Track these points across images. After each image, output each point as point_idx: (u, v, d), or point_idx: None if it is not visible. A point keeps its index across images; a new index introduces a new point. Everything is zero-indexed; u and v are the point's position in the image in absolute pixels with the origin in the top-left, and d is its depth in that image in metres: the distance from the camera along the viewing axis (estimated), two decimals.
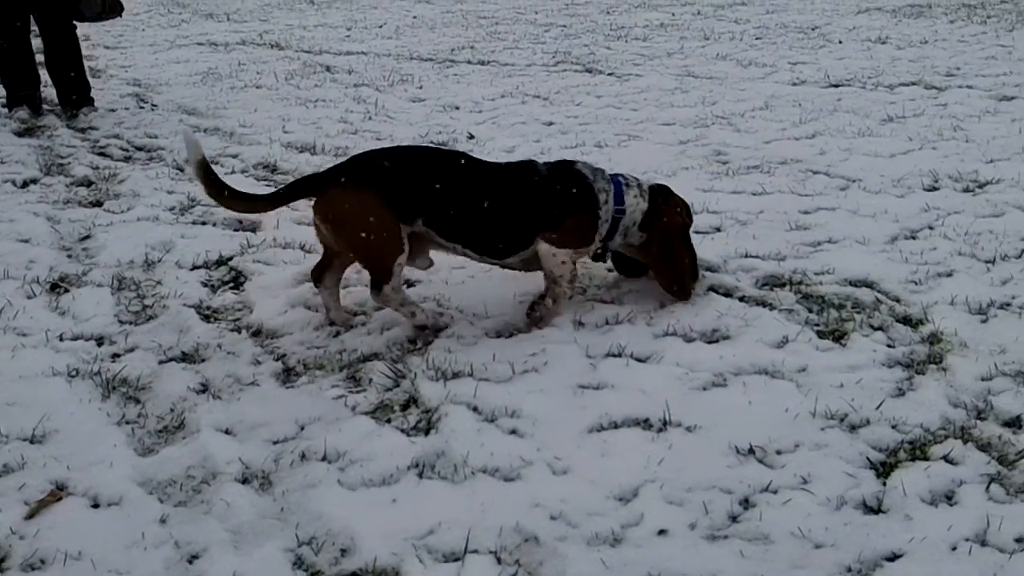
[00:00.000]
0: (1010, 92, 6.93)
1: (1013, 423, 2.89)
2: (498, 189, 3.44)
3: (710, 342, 3.40)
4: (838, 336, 3.43)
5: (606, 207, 3.52)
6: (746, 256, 4.12)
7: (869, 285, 3.82)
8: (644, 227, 3.62)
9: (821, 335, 3.44)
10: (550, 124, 6.33)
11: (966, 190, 4.84)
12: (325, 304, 3.62)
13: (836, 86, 7.30)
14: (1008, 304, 3.62)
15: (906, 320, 3.54)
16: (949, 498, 2.57)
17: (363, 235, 3.30)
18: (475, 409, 3.00)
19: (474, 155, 3.69)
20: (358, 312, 3.74)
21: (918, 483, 2.60)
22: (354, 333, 3.54)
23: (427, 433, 2.89)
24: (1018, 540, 2.40)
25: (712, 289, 3.81)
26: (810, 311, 3.62)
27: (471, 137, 6.00)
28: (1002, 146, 5.59)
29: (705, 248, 4.16)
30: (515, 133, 6.11)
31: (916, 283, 3.81)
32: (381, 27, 10.90)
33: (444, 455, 2.76)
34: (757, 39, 9.52)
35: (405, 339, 3.47)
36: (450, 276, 3.97)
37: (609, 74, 7.97)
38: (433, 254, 3.64)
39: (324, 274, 3.58)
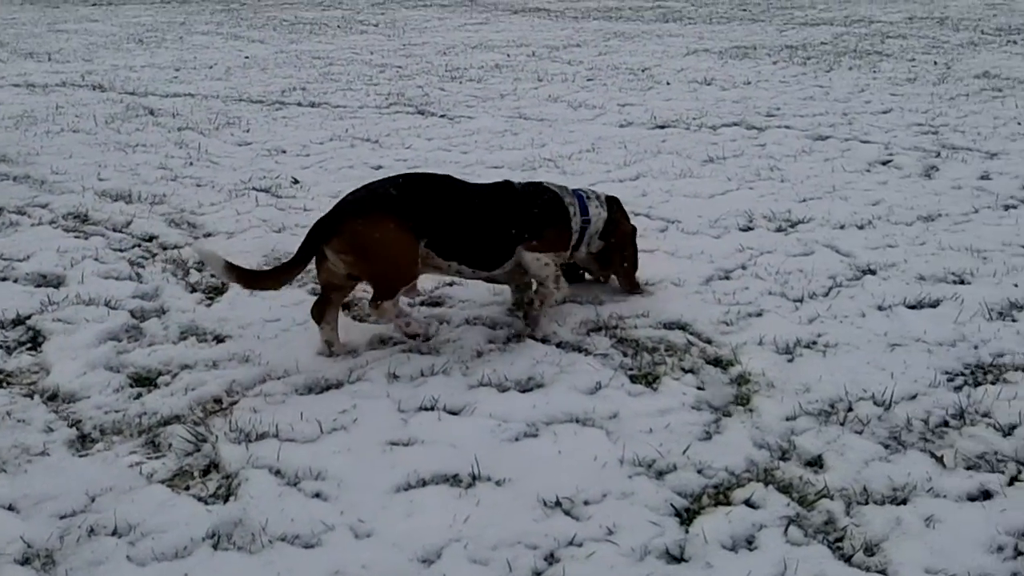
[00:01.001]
0: (825, 132, 7.23)
1: (814, 462, 2.96)
2: (485, 208, 3.72)
3: (524, 391, 3.40)
4: (650, 380, 3.47)
5: (575, 219, 3.90)
6: (565, 301, 4.13)
7: (682, 327, 3.89)
8: (604, 235, 4.03)
9: (634, 379, 3.47)
10: (379, 168, 6.27)
11: (779, 229, 5.00)
12: (327, 340, 3.70)
13: (662, 127, 7.48)
14: (814, 343, 3.73)
15: (716, 362, 3.62)
16: (750, 543, 2.61)
17: (385, 261, 3.50)
18: (278, 472, 2.91)
19: (457, 177, 3.89)
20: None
21: (720, 529, 2.64)
22: (157, 394, 3.40)
23: (226, 500, 2.79)
24: None
25: (530, 336, 3.81)
26: (624, 355, 3.66)
27: (295, 182, 5.90)
28: (815, 185, 5.81)
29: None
30: (342, 177, 6.04)
31: (727, 324, 3.90)
32: (211, 68, 10.68)
33: (242, 523, 2.67)
34: (589, 80, 9.69)
35: (210, 399, 3.35)
36: (262, 331, 3.87)
37: (441, 116, 7.98)
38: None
39: (325, 311, 3.69)
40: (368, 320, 3.94)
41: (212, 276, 4.32)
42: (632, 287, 4.22)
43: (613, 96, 8.80)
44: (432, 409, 3.26)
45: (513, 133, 7.30)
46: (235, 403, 3.34)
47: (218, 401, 3.36)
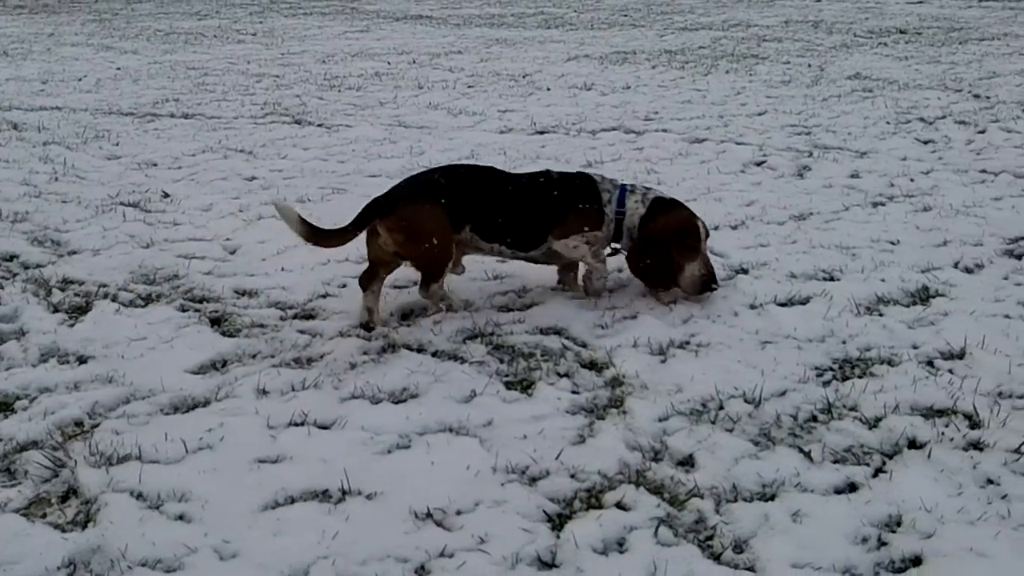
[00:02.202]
0: (701, 134, 7.33)
1: (686, 462, 2.98)
2: (524, 195, 4.01)
3: (397, 402, 3.34)
4: (526, 386, 3.45)
5: (609, 206, 4.04)
6: (445, 310, 4.10)
7: (558, 332, 3.89)
8: (640, 231, 4.08)
9: (509, 386, 3.45)
10: (252, 179, 6.15)
11: None
12: (367, 307, 3.97)
13: (541, 133, 7.50)
14: (687, 343, 3.76)
15: (591, 365, 3.62)
16: (620, 545, 2.60)
17: (430, 245, 3.85)
18: (139, 496, 2.80)
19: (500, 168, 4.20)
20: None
21: (591, 533, 2.62)
22: (14, 419, 3.25)
23: (84, 527, 2.67)
24: None
25: (406, 346, 3.76)
26: (500, 362, 3.64)
27: (166, 196, 5.74)
28: (690, 187, 5.88)
29: (402, 302, 4.14)
30: (214, 190, 5.90)
31: (603, 327, 3.91)
32: (80, 80, 10.35)
33: (100, 550, 2.56)
34: (469, 87, 9.68)
35: (71, 422, 3.22)
36: (127, 350, 3.74)
37: (319, 125, 7.87)
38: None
39: (371, 282, 3.99)
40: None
41: (74, 295, 4.18)
42: (651, 289, 4.20)
43: (493, 102, 8.80)
44: (302, 424, 3.19)
45: (392, 141, 7.23)
46: (96, 426, 3.21)
47: (79, 424, 3.22)
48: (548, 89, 9.49)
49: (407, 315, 4.07)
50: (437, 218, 3.85)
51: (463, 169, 4.15)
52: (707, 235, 4.10)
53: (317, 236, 3.86)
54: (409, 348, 3.75)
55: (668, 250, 4.02)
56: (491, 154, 6.77)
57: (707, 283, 4.04)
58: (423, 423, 3.18)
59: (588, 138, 7.30)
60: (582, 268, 4.24)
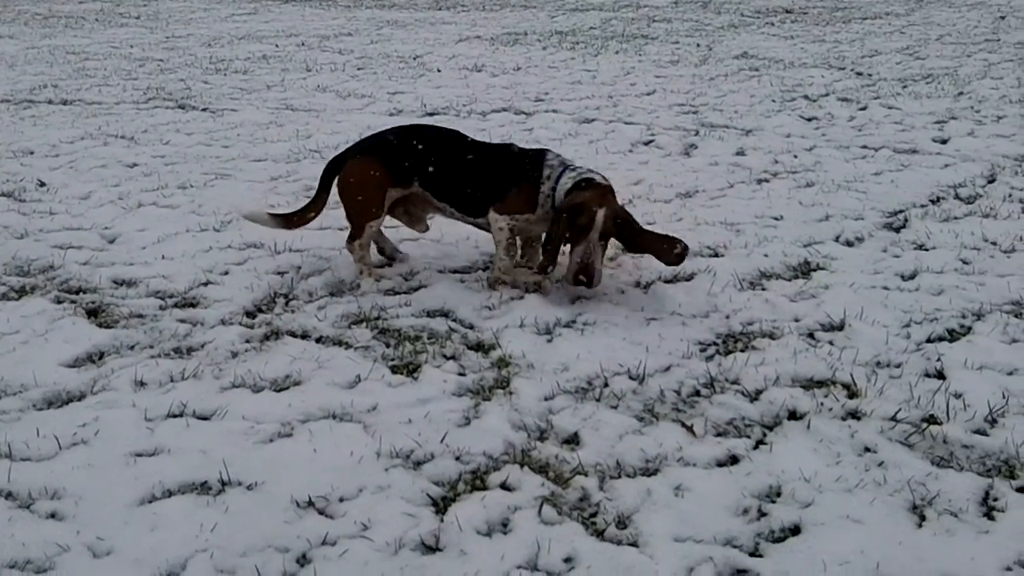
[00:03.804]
0: (591, 115, 7.36)
1: (571, 440, 2.99)
2: (476, 162, 4.09)
3: (280, 390, 3.28)
4: (411, 370, 3.42)
5: (547, 183, 3.99)
6: (331, 295, 4.04)
7: (445, 314, 3.87)
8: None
9: (395, 370, 3.42)
10: (133, 166, 5.98)
11: None
12: (380, 246, 4.40)
13: (432, 114, 7.44)
14: (573, 322, 3.77)
15: (478, 347, 3.60)
16: (504, 526, 2.59)
17: (357, 196, 4.12)
18: (8, 495, 2.70)
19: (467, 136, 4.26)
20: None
21: (475, 515, 2.61)
22: None
23: None
24: (566, 560, 2.46)
25: (289, 333, 3.69)
26: (387, 346, 3.60)
27: (42, 184, 5.55)
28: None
29: (285, 287, 4.07)
30: (93, 177, 5.72)
31: (489, 308, 3.90)
32: None
33: None
34: (359, 70, 9.55)
35: None
36: None
37: (203, 109, 7.69)
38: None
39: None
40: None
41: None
42: (540, 269, 3.93)
43: (383, 85, 8.71)
44: (181, 415, 3.11)
45: (279, 125, 7.10)
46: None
47: None
48: (439, 71, 9.43)
49: (291, 300, 3.99)
50: (370, 173, 4.08)
51: (423, 129, 4.30)
52: (609, 229, 3.80)
53: (295, 219, 4.23)
54: (293, 335, 3.69)
55: (561, 226, 3.85)
56: None
57: (577, 275, 3.81)
58: (306, 410, 3.13)
59: (479, 119, 7.27)
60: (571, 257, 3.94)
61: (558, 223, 3.83)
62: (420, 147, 4.14)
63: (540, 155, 4.10)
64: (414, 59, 10.16)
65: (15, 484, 2.74)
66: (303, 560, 2.46)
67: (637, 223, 3.90)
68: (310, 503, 2.66)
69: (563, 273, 3.97)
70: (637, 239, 3.89)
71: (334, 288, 4.11)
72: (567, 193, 3.90)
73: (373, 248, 4.36)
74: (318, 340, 3.65)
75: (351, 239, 4.18)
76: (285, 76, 9.18)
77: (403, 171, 4.12)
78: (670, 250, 3.82)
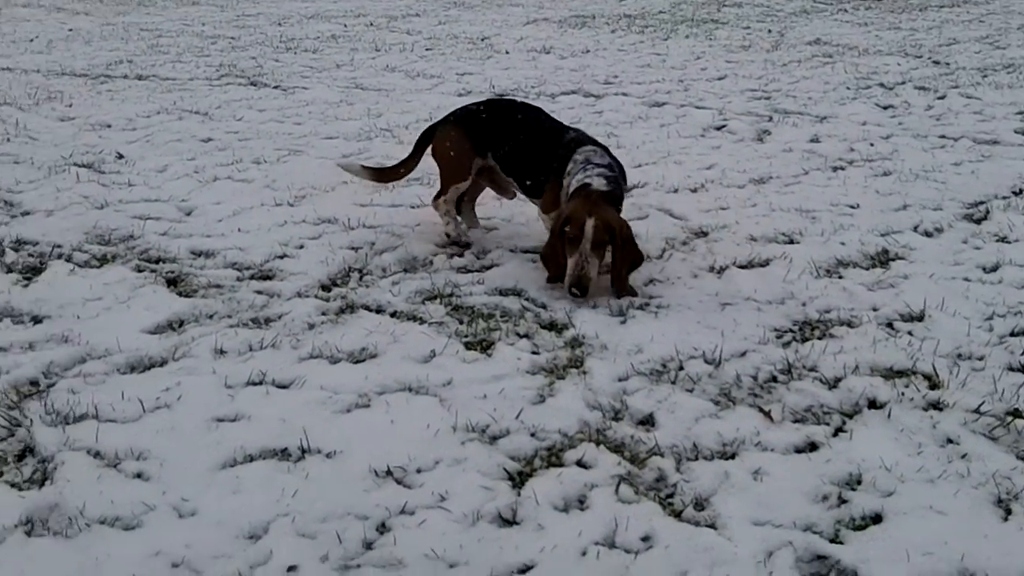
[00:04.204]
0: (661, 98, 7.32)
1: (646, 421, 2.98)
2: (541, 146, 4.13)
3: (356, 362, 3.31)
4: (485, 346, 3.43)
5: (567, 178, 3.94)
6: (404, 271, 4.07)
7: (517, 293, 3.87)
8: None
9: (469, 346, 3.43)
10: (208, 140, 6.05)
11: None
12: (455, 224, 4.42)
13: (500, 96, 7.43)
14: (647, 304, 3.76)
15: (551, 326, 3.60)
16: (581, 502, 2.59)
17: (446, 157, 4.33)
18: (97, 454, 2.75)
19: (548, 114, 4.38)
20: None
21: (551, 490, 2.62)
22: None
23: (42, 485, 2.62)
24: (644, 539, 2.45)
25: (364, 307, 3.72)
26: (460, 323, 3.61)
27: (120, 157, 5.64)
28: (650, 150, 5.87)
29: (359, 262, 4.10)
30: (169, 151, 5.80)
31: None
32: (32, 41, 10.12)
33: (58, 508, 2.52)
34: (427, 50, 9.58)
35: (26, 381, 3.15)
36: (82, 310, 3.67)
37: (275, 87, 7.76)
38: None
39: (462, 201, 4.51)
40: None
41: (28, 255, 4.11)
42: (549, 281, 3.93)
43: (452, 66, 8.72)
44: (260, 384, 3.15)
45: (349, 103, 7.15)
46: (52, 385, 3.15)
47: (34, 384, 3.16)
48: (507, 52, 9.43)
49: (365, 275, 4.02)
50: (455, 141, 4.28)
51: (508, 105, 4.48)
52: (601, 239, 3.69)
53: (387, 174, 4.54)
54: (368, 309, 3.72)
55: (553, 235, 3.83)
56: None
57: (571, 286, 3.73)
58: (382, 382, 3.15)
59: (547, 101, 7.25)
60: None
61: (552, 232, 3.86)
62: (497, 122, 4.27)
63: (573, 147, 4.03)
64: (482, 40, 10.17)
65: (102, 444, 2.80)
66: (382, 528, 2.48)
67: (632, 237, 3.81)
68: (388, 473, 2.68)
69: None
70: (627, 252, 3.78)
71: (407, 264, 4.13)
72: (569, 197, 3.88)
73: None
74: (392, 315, 3.67)
75: (437, 196, 4.37)
76: (354, 56, 9.24)
77: (483, 142, 4.25)
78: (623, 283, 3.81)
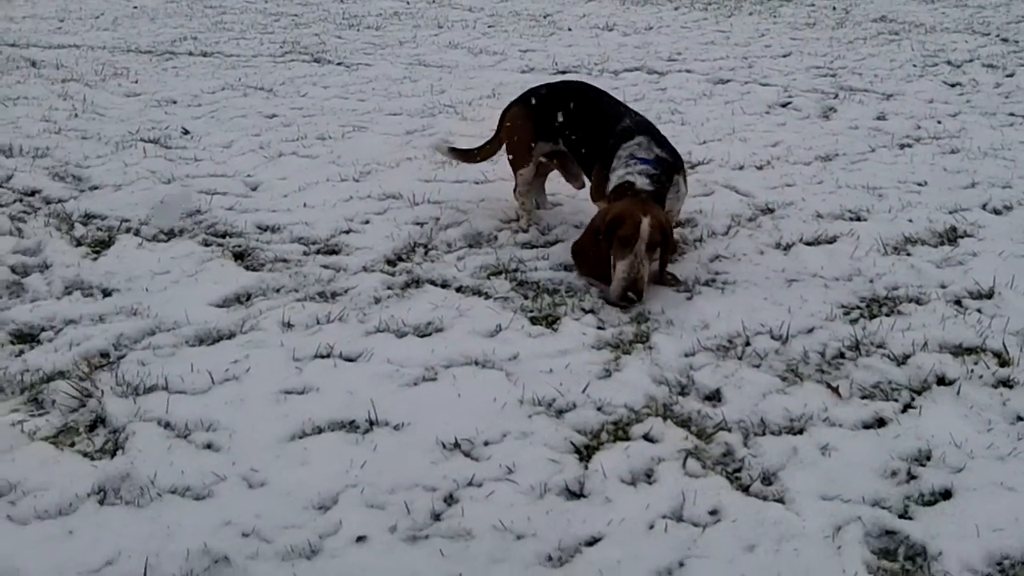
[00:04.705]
0: (725, 76, 7.24)
1: (713, 396, 2.97)
2: (592, 132, 4.01)
3: (423, 335, 3.33)
4: (550, 321, 3.44)
5: (616, 172, 3.75)
6: (469, 246, 4.08)
7: None
8: None
9: (534, 321, 3.44)
10: (273, 116, 6.11)
11: None
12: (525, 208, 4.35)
13: (564, 72, 7.41)
14: (713, 280, 3.74)
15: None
16: (648, 476, 2.60)
17: (511, 140, 4.29)
18: (167, 425, 2.81)
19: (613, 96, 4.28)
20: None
21: (619, 464, 2.62)
22: (40, 350, 3.26)
23: (113, 455, 2.69)
24: (712, 512, 2.45)
25: (430, 281, 3.74)
26: (525, 297, 3.62)
27: (186, 132, 5.72)
28: (714, 128, 5.82)
29: (424, 237, 4.12)
30: (234, 127, 5.86)
31: None
32: (98, 18, 10.28)
33: (129, 477, 2.57)
34: (490, 27, 9.57)
35: (96, 353, 3.22)
36: (151, 283, 3.74)
37: (338, 63, 7.80)
38: None
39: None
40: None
41: (96, 229, 4.19)
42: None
43: (514, 42, 8.70)
44: (328, 356, 3.18)
45: (412, 80, 7.17)
46: (122, 357, 3.22)
47: (105, 355, 3.23)
48: (569, 29, 9.39)
49: (430, 250, 4.04)
50: (518, 124, 4.22)
51: (573, 88, 4.32)
52: (656, 240, 3.51)
53: (474, 154, 4.52)
54: (433, 283, 3.74)
55: (598, 237, 3.61)
56: (513, 93, 6.62)
57: (623, 291, 3.49)
58: (448, 356, 3.17)
59: (611, 78, 7.21)
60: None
61: (592, 228, 3.68)
62: (561, 106, 4.14)
63: (621, 139, 3.84)
64: (544, 17, 10.13)
65: (172, 415, 2.85)
66: (450, 500, 2.50)
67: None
68: (456, 445, 2.70)
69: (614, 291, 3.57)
70: (672, 247, 3.69)
71: (472, 240, 4.14)
72: (612, 194, 3.71)
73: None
74: (458, 289, 3.69)
75: (514, 187, 4.34)
76: (417, 32, 9.25)
77: (547, 127, 4.16)
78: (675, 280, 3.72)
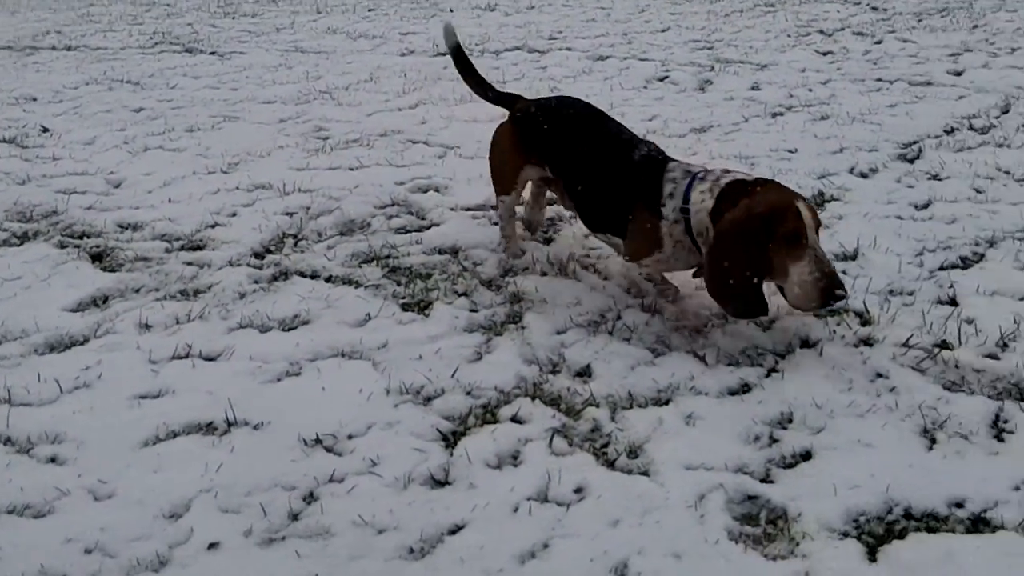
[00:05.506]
0: (605, 52, 7.24)
1: (583, 372, 2.93)
2: (595, 163, 3.32)
3: (288, 329, 3.23)
4: (422, 307, 3.37)
5: (671, 202, 3.03)
6: (341, 235, 3.99)
7: (456, 252, 3.80)
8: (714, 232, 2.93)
9: (406, 308, 3.36)
10: (139, 110, 5.93)
11: None
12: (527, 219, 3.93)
13: (443, 55, 7.32)
14: (587, 256, 3.70)
15: (490, 283, 3.54)
16: (515, 458, 2.55)
17: (494, 162, 3.74)
18: (7, 441, 2.66)
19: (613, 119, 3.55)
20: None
21: (485, 448, 2.57)
22: None
23: None
24: (577, 491, 2.41)
25: (298, 273, 3.64)
26: (397, 284, 3.54)
27: (45, 130, 5.50)
28: (593, 103, 5.77)
29: (294, 227, 4.02)
30: (98, 123, 5.67)
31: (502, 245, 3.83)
32: None
33: None
34: (370, 11, 9.45)
35: None
36: None
37: (211, 53, 7.61)
38: None
39: (532, 198, 3.91)
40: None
41: None
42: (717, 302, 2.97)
43: (395, 25, 8.60)
44: (186, 357, 3.06)
45: (288, 67, 7.02)
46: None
47: None
48: (451, 10, 9.32)
49: (300, 240, 3.94)
50: (504, 143, 3.66)
51: (567, 104, 3.62)
52: (817, 223, 2.84)
53: (473, 80, 4.01)
54: (302, 275, 3.64)
55: (751, 251, 2.81)
56: (391, 76, 6.62)
57: (827, 291, 2.74)
58: (314, 349, 3.08)
59: (491, 58, 7.16)
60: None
61: (738, 250, 2.82)
62: (551, 125, 3.49)
63: (659, 166, 3.13)
64: None
65: (14, 429, 2.70)
66: (310, 498, 2.42)
67: None
68: (318, 441, 2.62)
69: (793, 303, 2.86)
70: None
71: (344, 228, 4.05)
72: (712, 213, 2.94)
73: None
74: (327, 279, 3.60)
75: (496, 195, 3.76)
76: (295, 19, 9.09)
77: (534, 148, 3.55)
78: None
